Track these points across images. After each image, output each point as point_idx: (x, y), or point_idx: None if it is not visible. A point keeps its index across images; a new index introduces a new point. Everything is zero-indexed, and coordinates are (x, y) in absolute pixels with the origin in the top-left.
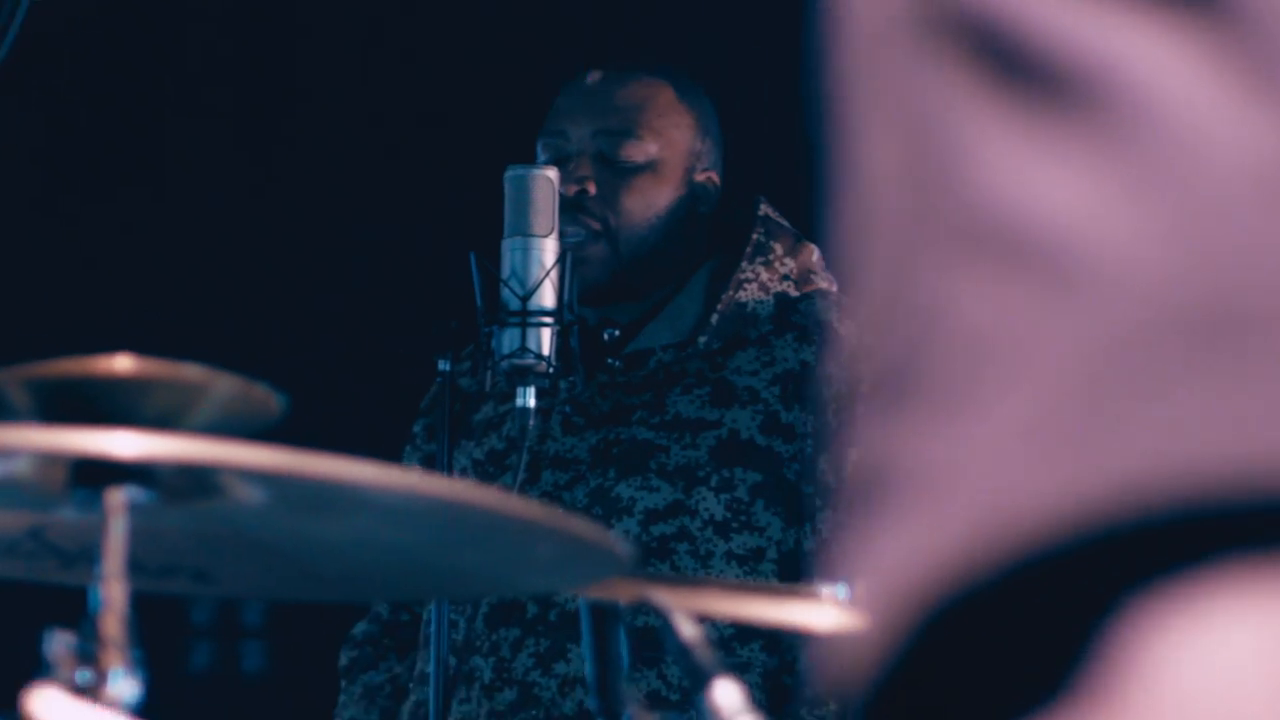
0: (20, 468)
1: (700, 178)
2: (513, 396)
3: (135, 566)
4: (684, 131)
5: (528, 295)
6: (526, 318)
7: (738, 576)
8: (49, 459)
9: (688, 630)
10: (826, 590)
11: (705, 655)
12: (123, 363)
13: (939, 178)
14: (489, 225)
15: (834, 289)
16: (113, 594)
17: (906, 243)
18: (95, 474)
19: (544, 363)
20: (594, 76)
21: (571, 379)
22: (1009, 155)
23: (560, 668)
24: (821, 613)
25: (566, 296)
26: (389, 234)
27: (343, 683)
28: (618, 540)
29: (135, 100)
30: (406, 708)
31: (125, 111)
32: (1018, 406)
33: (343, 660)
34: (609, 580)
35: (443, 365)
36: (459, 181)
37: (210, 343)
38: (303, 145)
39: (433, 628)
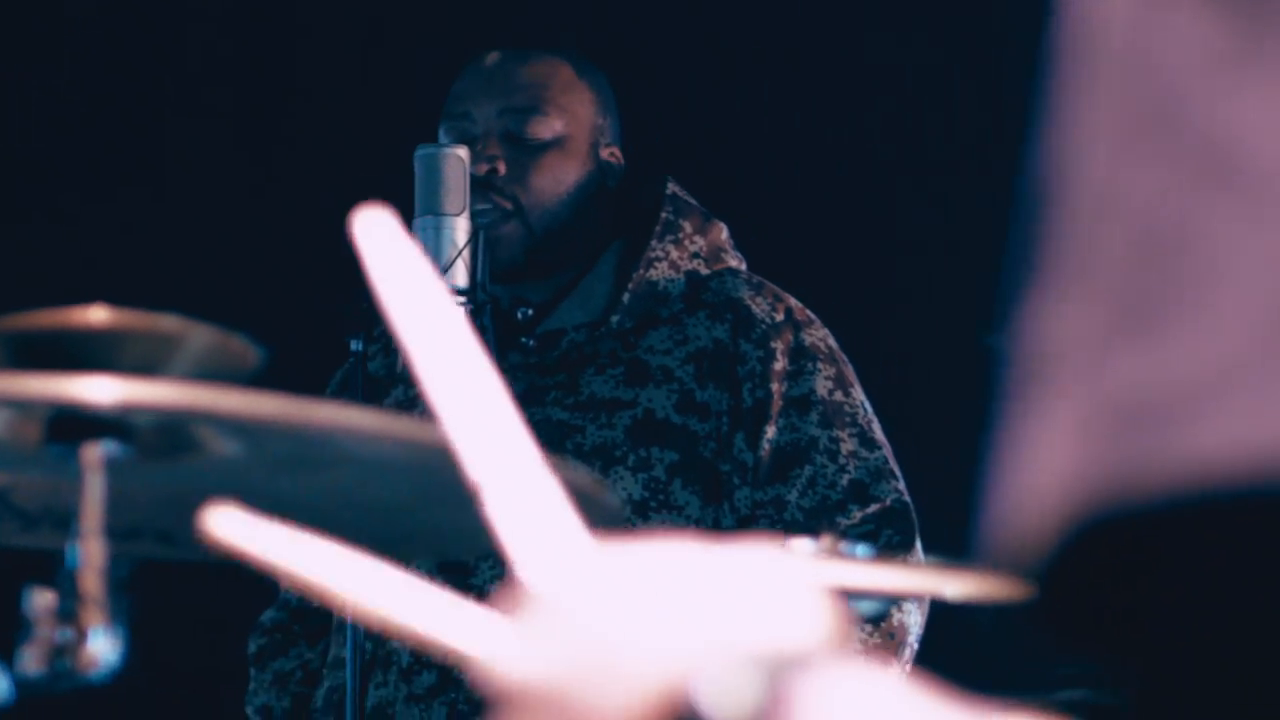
0: None
1: (604, 153)
2: None
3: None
4: (586, 107)
5: (440, 275)
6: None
7: None
8: (23, 414)
9: None
10: (798, 544)
11: None
12: (97, 313)
13: (1166, 105)
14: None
15: (743, 267)
16: (91, 551)
17: (1132, 163)
18: (71, 429)
19: None
20: (492, 58)
21: None
22: (1223, 80)
23: None
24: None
25: (479, 275)
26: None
27: (252, 670)
28: (608, 491)
29: (135, 100)
30: (321, 693)
31: (125, 111)
32: (1243, 332)
33: (251, 647)
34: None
35: (355, 346)
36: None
37: None
38: (303, 145)
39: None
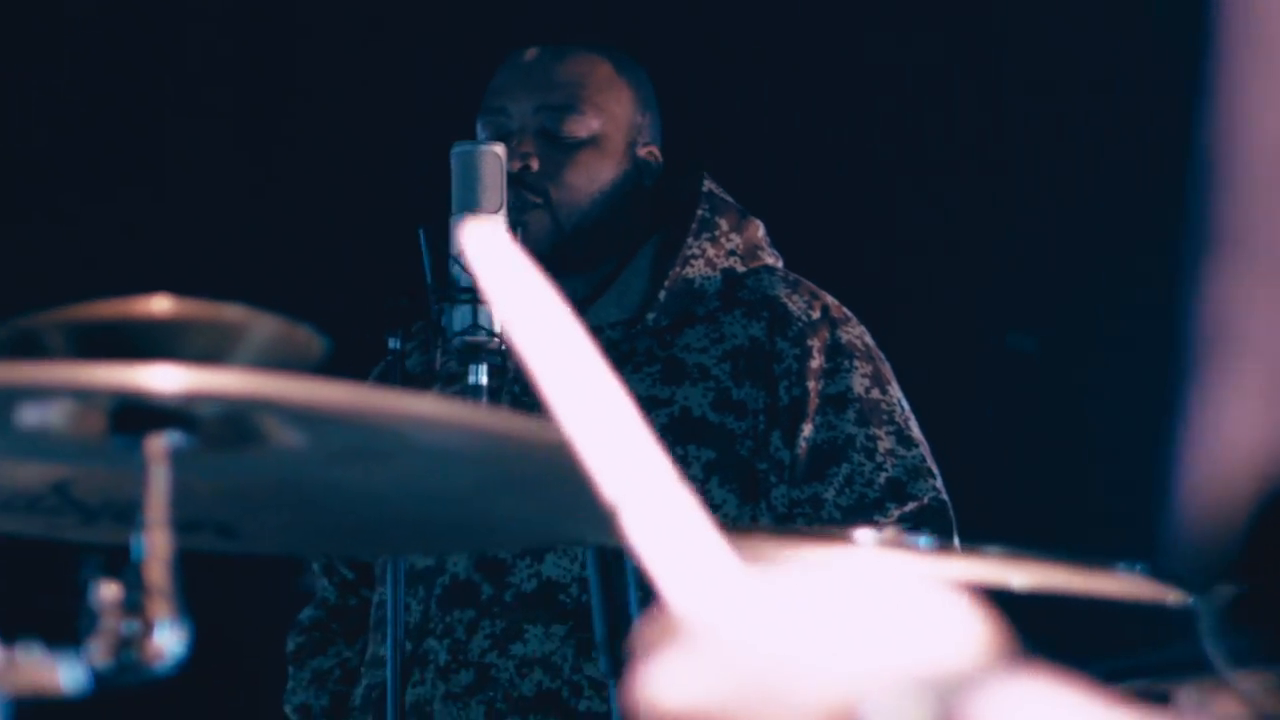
0: (57, 416)
1: (642, 151)
2: (461, 377)
3: None
4: (624, 105)
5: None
6: (477, 295)
7: None
8: (87, 405)
9: None
10: (864, 535)
11: None
12: (161, 303)
13: None
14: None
15: (780, 264)
16: (156, 543)
17: None
18: (134, 420)
19: (496, 339)
20: (531, 53)
21: None
22: None
23: (517, 649)
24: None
25: None
26: (387, 233)
27: (290, 668)
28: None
29: (135, 100)
30: (359, 691)
31: (125, 111)
32: None
33: (289, 646)
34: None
35: (393, 343)
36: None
37: None
38: (303, 145)
39: (389, 610)
